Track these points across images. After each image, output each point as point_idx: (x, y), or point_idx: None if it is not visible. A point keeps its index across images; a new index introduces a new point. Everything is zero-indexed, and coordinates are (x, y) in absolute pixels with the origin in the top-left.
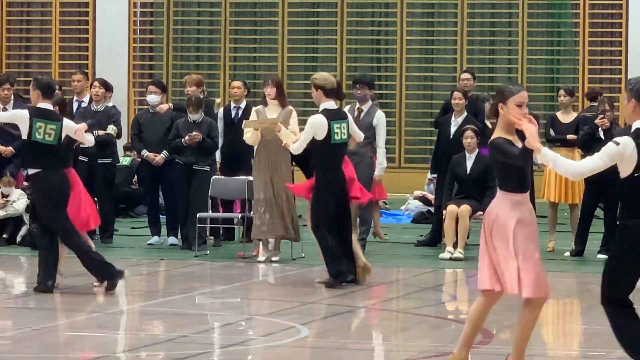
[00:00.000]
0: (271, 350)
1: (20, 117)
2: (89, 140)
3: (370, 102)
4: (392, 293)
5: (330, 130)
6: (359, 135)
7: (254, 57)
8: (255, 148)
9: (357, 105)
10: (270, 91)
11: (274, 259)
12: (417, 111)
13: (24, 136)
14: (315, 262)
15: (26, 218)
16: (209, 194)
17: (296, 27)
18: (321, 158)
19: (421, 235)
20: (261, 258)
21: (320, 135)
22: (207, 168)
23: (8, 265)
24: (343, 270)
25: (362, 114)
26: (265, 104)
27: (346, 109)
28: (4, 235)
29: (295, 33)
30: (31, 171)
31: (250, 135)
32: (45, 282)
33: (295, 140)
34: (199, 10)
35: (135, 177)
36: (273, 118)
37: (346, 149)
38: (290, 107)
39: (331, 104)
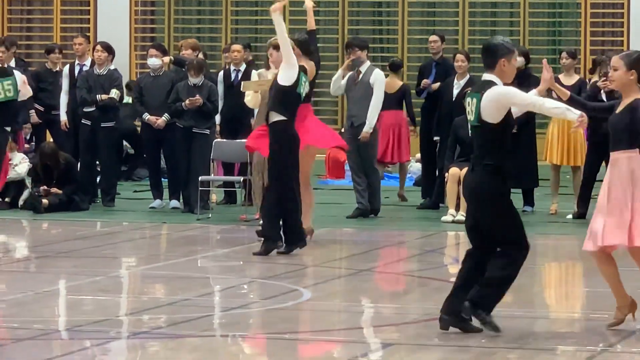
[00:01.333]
0: (273, 313)
1: None
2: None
3: (368, 63)
4: (394, 256)
5: (299, 79)
6: None
7: (255, 20)
8: (255, 111)
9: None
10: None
11: None
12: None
13: None
14: (316, 224)
15: (28, 182)
16: (210, 157)
17: None
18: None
19: (423, 198)
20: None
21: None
22: (207, 131)
23: (10, 228)
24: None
25: (361, 75)
26: (267, 67)
27: (349, 74)
28: (6, 199)
29: None
30: None
31: (251, 98)
32: None
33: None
34: None
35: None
36: (270, 80)
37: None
38: None
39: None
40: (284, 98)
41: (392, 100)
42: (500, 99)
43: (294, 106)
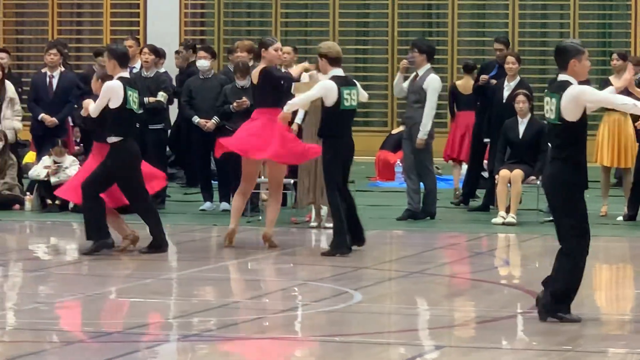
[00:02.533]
0: (324, 316)
1: (117, 88)
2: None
3: (426, 66)
4: (445, 258)
5: (340, 96)
6: (363, 95)
7: (305, 23)
8: (303, 114)
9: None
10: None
11: (327, 224)
12: None
13: (117, 105)
14: (367, 226)
15: None
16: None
17: None
18: (330, 124)
19: (474, 200)
20: (313, 223)
21: (330, 100)
22: None
23: (60, 231)
24: (347, 244)
25: (418, 78)
26: (318, 69)
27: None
28: (57, 202)
29: None
30: (111, 140)
31: None
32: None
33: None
34: None
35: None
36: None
37: (354, 116)
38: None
39: (338, 71)
40: (327, 117)
41: (467, 101)
42: (578, 97)
43: (341, 122)
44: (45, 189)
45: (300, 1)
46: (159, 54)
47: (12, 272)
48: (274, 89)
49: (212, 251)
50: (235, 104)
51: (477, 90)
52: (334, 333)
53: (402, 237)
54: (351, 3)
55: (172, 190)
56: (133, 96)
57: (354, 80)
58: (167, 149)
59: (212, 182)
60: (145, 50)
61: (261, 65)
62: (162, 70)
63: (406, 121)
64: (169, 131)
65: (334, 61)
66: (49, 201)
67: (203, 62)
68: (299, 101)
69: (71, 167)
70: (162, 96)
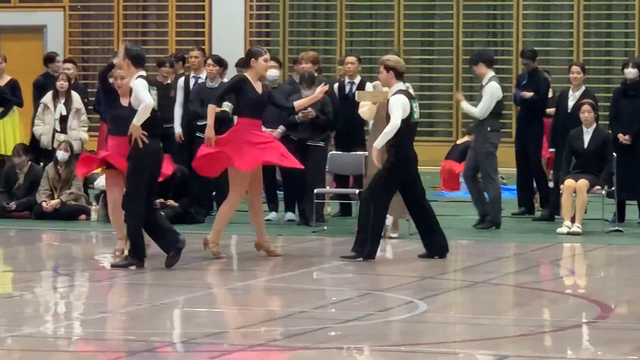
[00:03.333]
0: (390, 326)
1: (145, 86)
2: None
3: (489, 74)
4: (510, 267)
5: (411, 109)
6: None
7: (370, 33)
8: (370, 124)
9: None
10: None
11: (392, 235)
12: (414, 85)
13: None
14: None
15: None
16: (325, 169)
17: (413, 1)
18: (399, 136)
19: (539, 210)
20: (393, 234)
21: (405, 114)
22: (322, 144)
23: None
24: (375, 250)
25: (482, 89)
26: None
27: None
28: None
29: (411, 8)
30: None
31: (366, 109)
32: None
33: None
34: None
35: None
36: (387, 92)
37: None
38: (407, 84)
39: (402, 85)
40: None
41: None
42: None
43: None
44: None
45: (365, 11)
46: (222, 64)
47: (78, 282)
48: (257, 101)
49: (277, 261)
50: (300, 114)
51: (517, 99)
52: (400, 343)
53: (467, 246)
54: (416, 13)
55: None
56: (154, 94)
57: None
58: None
59: (277, 192)
60: (210, 61)
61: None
62: (226, 80)
63: (473, 131)
64: None
65: (400, 75)
66: None
67: (273, 72)
68: (394, 123)
69: None
70: (227, 106)
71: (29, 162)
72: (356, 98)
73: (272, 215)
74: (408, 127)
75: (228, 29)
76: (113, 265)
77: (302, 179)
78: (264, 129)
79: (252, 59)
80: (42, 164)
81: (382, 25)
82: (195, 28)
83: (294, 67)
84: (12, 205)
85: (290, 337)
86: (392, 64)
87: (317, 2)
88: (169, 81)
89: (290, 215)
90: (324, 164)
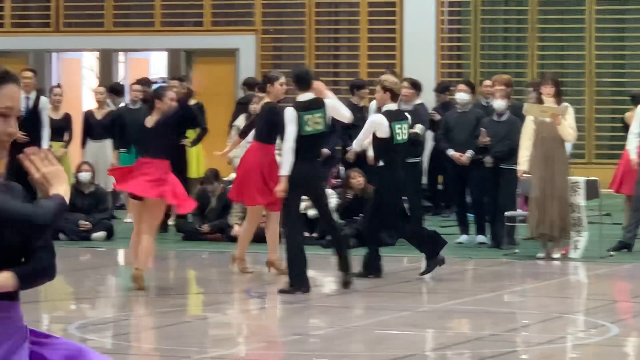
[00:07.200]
0: (581, 349)
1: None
2: None
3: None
4: None
5: (393, 130)
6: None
7: (561, 56)
8: (531, 144)
9: None
10: (549, 90)
11: (554, 255)
12: (606, 107)
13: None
14: (602, 259)
15: (336, 216)
16: (516, 192)
17: (604, 24)
18: (382, 157)
19: None
20: (556, 255)
21: (381, 134)
22: (514, 167)
23: (317, 263)
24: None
25: None
26: (540, 101)
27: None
28: (314, 234)
29: (603, 31)
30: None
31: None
32: None
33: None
34: (505, 9)
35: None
36: (556, 107)
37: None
38: (567, 104)
39: (394, 106)
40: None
41: None
42: None
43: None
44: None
45: (556, 34)
46: (417, 87)
47: (270, 303)
48: (274, 125)
49: (468, 284)
50: (480, 138)
51: None
52: None
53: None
54: (607, 35)
55: (428, 223)
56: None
57: (406, 114)
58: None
59: (468, 215)
60: (405, 84)
61: (266, 99)
62: (419, 102)
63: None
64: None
65: (395, 97)
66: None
67: (463, 95)
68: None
69: (329, 200)
70: (419, 128)
71: (221, 187)
72: (524, 112)
73: (464, 238)
74: (393, 148)
75: (419, 52)
76: (280, 291)
77: (493, 201)
78: (451, 152)
79: (269, 84)
80: None
81: (573, 47)
82: (386, 51)
83: (481, 90)
84: (205, 227)
85: None
86: (390, 85)
87: (508, 25)
88: (362, 104)
89: (481, 237)
90: (515, 187)
